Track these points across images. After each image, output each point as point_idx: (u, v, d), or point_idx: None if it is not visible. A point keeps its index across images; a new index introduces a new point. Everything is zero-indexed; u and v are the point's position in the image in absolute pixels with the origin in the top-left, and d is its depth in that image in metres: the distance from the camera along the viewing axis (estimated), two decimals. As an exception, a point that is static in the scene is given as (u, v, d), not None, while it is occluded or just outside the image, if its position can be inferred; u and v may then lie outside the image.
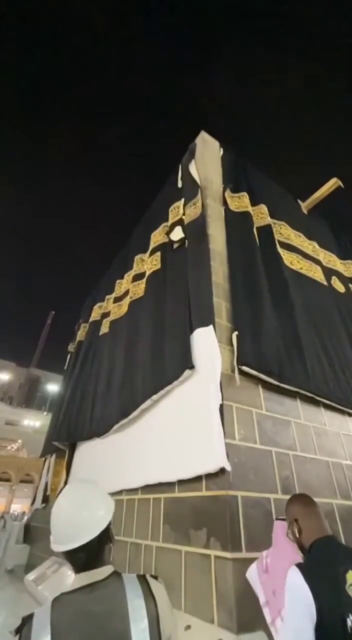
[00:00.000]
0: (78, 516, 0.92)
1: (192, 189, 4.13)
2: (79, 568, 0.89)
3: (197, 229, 3.62)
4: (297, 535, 1.21)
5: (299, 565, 1.04)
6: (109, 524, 0.96)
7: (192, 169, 4.38)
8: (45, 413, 32.90)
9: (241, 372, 2.56)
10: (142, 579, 0.87)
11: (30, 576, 4.63)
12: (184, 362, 2.74)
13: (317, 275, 4.43)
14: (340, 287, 4.71)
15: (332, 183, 5.31)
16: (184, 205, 4.18)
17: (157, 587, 0.86)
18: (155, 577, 0.91)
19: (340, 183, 5.27)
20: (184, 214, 4.10)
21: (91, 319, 6.63)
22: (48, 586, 3.96)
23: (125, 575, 0.89)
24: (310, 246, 4.77)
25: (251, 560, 1.85)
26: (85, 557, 0.88)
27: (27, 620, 0.75)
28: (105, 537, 0.93)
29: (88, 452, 4.55)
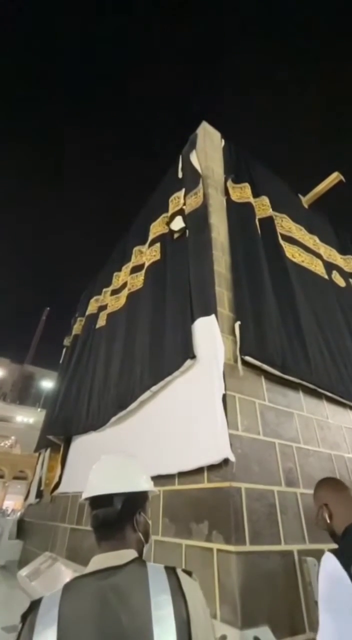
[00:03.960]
0: (113, 469, 0.90)
1: (193, 178, 4.05)
2: (97, 534, 0.82)
3: (198, 218, 3.54)
4: (328, 521, 1.14)
5: (334, 552, 0.96)
6: (142, 506, 0.88)
7: (193, 158, 4.29)
8: (39, 409, 32.64)
9: (244, 363, 2.50)
10: (171, 572, 0.72)
11: (24, 572, 4.55)
12: (185, 352, 2.66)
13: (319, 268, 4.38)
14: (341, 282, 4.67)
15: (334, 177, 5.26)
16: (185, 195, 4.10)
17: (189, 585, 0.71)
18: (188, 573, 0.75)
19: (341, 177, 5.22)
20: (184, 204, 4.01)
21: (88, 312, 6.52)
22: (42, 582, 3.87)
23: (151, 564, 0.75)
24: (311, 240, 4.72)
25: (254, 554, 1.80)
26: (102, 518, 0.80)
27: (34, 606, 0.66)
28: (131, 510, 0.84)
29: (84, 446, 4.46)
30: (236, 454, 2.00)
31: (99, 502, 0.83)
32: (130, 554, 0.77)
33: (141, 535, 0.84)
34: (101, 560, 0.75)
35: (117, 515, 0.81)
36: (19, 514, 7.57)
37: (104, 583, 0.68)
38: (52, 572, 3.93)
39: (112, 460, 0.95)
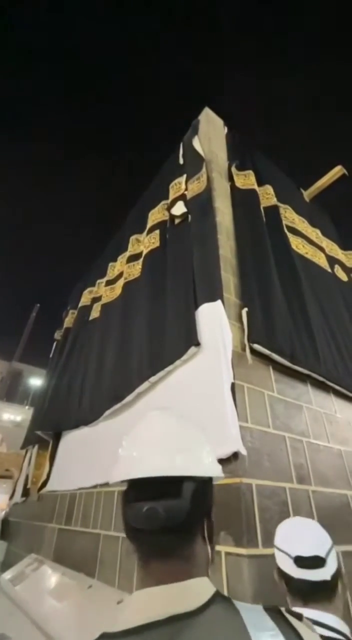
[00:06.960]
0: (174, 437, 0.54)
1: (195, 163, 3.89)
2: (145, 546, 0.44)
3: (202, 203, 3.37)
4: None
5: None
6: (212, 501, 0.54)
7: (196, 143, 4.14)
8: (27, 407, 31.92)
9: (252, 351, 2.33)
10: (281, 620, 0.39)
11: (7, 575, 4.28)
12: (188, 339, 2.49)
13: (322, 261, 4.27)
14: (343, 276, 4.58)
15: (337, 171, 5.17)
16: (187, 180, 3.93)
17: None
18: (298, 617, 0.43)
19: (344, 171, 5.13)
20: (186, 190, 3.84)
21: (80, 305, 6.27)
22: (26, 587, 3.63)
23: (242, 605, 0.42)
24: (313, 233, 4.61)
25: (268, 557, 1.63)
26: (165, 519, 0.42)
27: None
28: (203, 507, 0.49)
29: (75, 443, 4.23)
30: (247, 448, 1.83)
31: (156, 488, 0.47)
32: (204, 586, 0.43)
33: (210, 550, 0.53)
34: (156, 600, 0.40)
35: (187, 516, 0.46)
36: (3, 513, 7.25)
37: None
38: (37, 575, 3.69)
39: (170, 421, 0.58)
